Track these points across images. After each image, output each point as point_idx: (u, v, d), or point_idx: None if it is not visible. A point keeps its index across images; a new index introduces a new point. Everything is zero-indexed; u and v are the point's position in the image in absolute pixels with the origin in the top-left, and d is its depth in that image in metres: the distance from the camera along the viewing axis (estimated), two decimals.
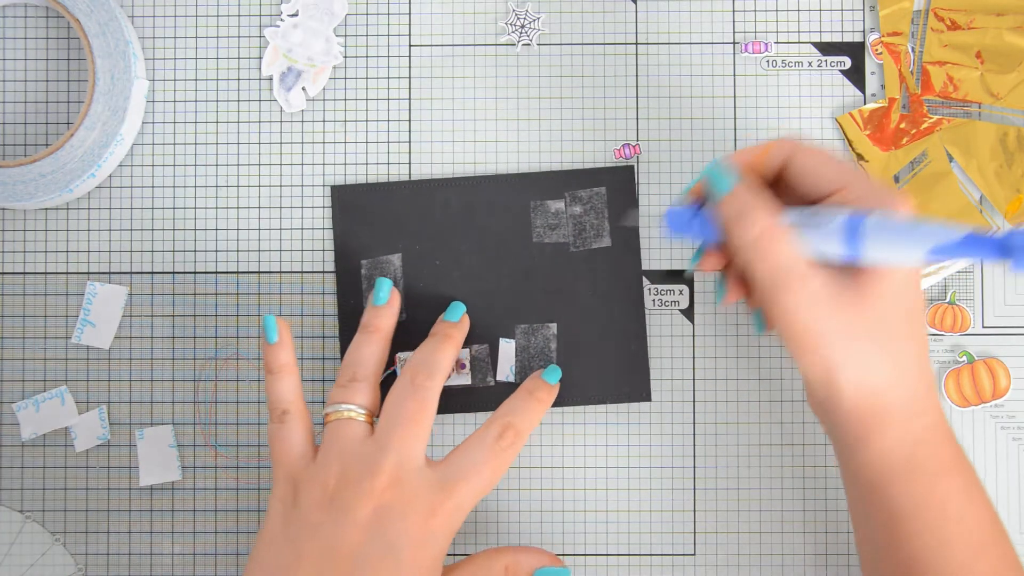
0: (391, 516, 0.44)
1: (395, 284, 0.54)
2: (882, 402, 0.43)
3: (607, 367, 0.54)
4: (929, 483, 0.44)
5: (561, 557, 0.54)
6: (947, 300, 0.55)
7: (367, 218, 0.55)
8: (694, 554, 0.55)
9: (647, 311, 0.55)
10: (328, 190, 0.55)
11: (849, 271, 0.43)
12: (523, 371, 0.54)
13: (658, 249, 0.55)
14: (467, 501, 0.46)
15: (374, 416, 0.48)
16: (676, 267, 0.55)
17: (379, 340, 0.49)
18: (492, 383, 0.54)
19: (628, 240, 0.54)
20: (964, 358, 0.55)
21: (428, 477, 0.46)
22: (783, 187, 0.46)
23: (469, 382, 0.54)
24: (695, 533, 0.55)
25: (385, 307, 0.50)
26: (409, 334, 0.54)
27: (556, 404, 0.54)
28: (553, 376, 0.51)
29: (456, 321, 0.52)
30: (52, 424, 0.54)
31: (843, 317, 0.42)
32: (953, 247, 0.38)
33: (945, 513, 0.43)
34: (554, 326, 0.54)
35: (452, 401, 0.54)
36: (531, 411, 0.49)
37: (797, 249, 0.43)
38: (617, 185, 0.55)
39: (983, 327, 0.55)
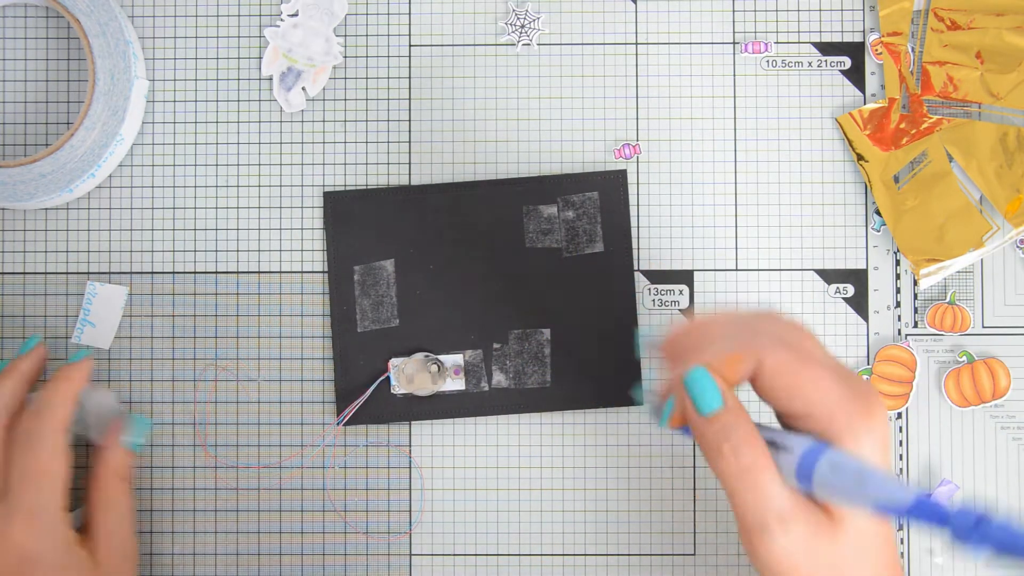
0: None
1: (388, 289, 0.54)
2: None
3: (599, 372, 0.54)
4: None
5: (561, 557, 0.54)
6: (947, 300, 0.55)
7: (360, 224, 0.55)
8: (694, 554, 0.55)
9: (647, 311, 0.55)
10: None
11: (826, 509, 0.41)
12: (517, 376, 0.54)
13: (657, 249, 0.55)
14: (30, 498, 0.47)
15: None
16: (676, 267, 0.55)
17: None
18: (486, 389, 0.54)
19: (621, 245, 0.54)
20: (964, 358, 0.55)
21: None
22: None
23: (463, 388, 0.54)
24: (695, 533, 0.55)
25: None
26: (402, 340, 0.54)
27: (550, 407, 0.54)
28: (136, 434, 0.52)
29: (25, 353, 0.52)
30: None
31: (819, 560, 0.40)
32: (899, 509, 0.36)
33: None
34: (547, 331, 0.54)
35: (447, 407, 0.54)
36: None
37: (781, 489, 0.40)
38: (610, 189, 0.55)
39: (983, 327, 0.55)
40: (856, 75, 0.56)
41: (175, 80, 0.56)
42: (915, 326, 0.55)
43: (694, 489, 0.55)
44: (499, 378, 0.54)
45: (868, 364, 0.55)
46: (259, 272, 0.55)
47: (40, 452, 0.47)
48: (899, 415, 0.55)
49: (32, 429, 0.48)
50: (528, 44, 0.56)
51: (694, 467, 0.55)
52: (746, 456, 0.40)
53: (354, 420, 0.54)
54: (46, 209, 0.55)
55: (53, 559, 0.46)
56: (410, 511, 0.55)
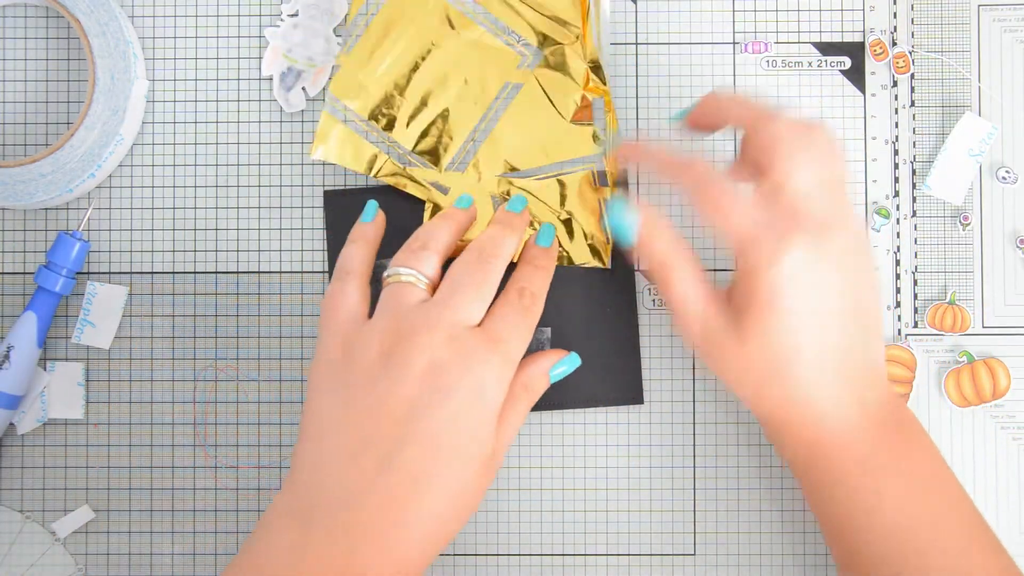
0: (446, 368, 0.44)
1: None
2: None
3: (600, 370, 0.54)
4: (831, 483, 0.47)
5: (561, 557, 0.54)
6: (947, 300, 0.55)
7: None
8: (694, 554, 0.55)
9: (647, 311, 0.55)
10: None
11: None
12: None
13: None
14: (514, 353, 0.46)
15: (434, 289, 0.48)
16: None
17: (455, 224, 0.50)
18: None
19: (621, 245, 0.54)
20: (964, 358, 0.55)
21: (478, 335, 0.46)
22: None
23: None
24: (695, 533, 0.55)
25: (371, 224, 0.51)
26: None
27: (550, 407, 0.54)
28: (545, 239, 0.51)
29: (518, 212, 0.51)
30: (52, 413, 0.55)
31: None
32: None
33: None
34: (548, 330, 0.54)
35: None
36: (538, 276, 0.49)
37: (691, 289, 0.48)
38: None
39: (983, 327, 0.55)
40: (856, 75, 0.56)
41: (175, 80, 0.56)
42: (915, 326, 0.55)
43: (694, 489, 0.55)
44: None
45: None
46: (259, 272, 0.55)
47: (536, 313, 0.48)
48: None
49: (493, 258, 0.48)
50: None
51: (694, 467, 0.55)
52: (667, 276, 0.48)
53: None
54: (46, 209, 0.55)
55: (468, 339, 0.45)
56: None
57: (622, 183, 0.54)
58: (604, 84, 0.54)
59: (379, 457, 0.43)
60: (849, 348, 0.46)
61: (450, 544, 0.54)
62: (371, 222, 0.50)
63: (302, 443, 0.45)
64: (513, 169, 0.54)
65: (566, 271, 0.54)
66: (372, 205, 0.51)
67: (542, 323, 0.54)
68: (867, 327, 0.47)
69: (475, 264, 0.47)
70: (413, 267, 0.47)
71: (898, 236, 0.55)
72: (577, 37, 0.54)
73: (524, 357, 0.48)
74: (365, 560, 0.43)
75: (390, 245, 0.54)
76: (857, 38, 0.56)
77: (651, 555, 0.55)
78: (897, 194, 0.55)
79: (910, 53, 0.56)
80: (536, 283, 0.48)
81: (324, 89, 0.55)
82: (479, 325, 0.46)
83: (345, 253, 0.49)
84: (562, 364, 0.50)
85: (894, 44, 0.56)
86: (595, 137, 0.54)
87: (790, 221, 0.45)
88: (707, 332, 0.47)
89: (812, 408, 0.46)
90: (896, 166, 0.56)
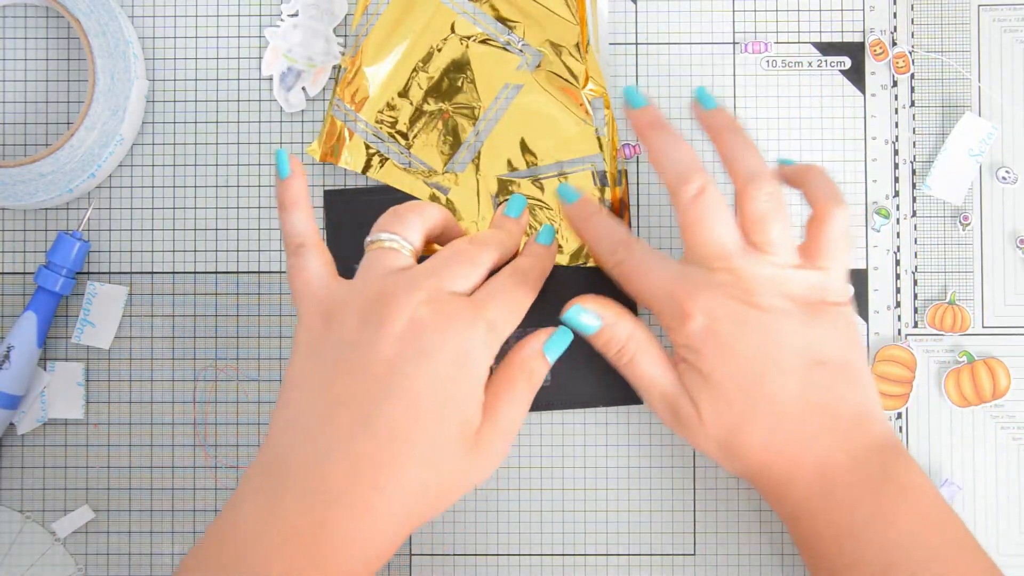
0: (426, 328, 0.43)
1: None
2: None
3: (600, 371, 0.54)
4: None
5: (561, 557, 0.54)
6: (947, 300, 0.55)
7: (360, 222, 0.54)
8: (694, 554, 0.55)
9: (645, 311, 0.55)
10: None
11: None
12: None
13: (658, 249, 0.55)
14: (500, 325, 0.45)
15: (418, 257, 0.47)
16: None
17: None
18: None
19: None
20: (964, 358, 0.55)
21: (463, 300, 0.44)
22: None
23: None
24: (695, 533, 0.55)
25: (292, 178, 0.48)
26: None
27: (550, 407, 0.54)
28: (545, 238, 0.50)
29: (516, 217, 0.50)
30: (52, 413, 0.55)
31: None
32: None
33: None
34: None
35: None
36: (534, 264, 0.48)
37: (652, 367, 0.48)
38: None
39: (983, 327, 0.55)
40: (856, 75, 0.56)
41: (175, 80, 0.56)
42: (915, 326, 0.55)
43: (694, 489, 0.55)
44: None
45: (868, 364, 0.55)
46: (259, 272, 0.55)
47: (527, 292, 0.47)
48: (899, 415, 0.55)
49: (485, 246, 0.46)
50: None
51: (694, 467, 0.55)
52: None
53: None
54: (46, 209, 0.55)
55: (451, 302, 0.44)
56: None
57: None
58: (603, 84, 0.54)
59: (354, 416, 0.41)
60: (816, 396, 0.46)
61: (450, 544, 0.54)
62: (290, 176, 0.47)
63: (278, 409, 0.43)
64: (513, 169, 0.54)
65: (565, 271, 0.54)
66: (282, 156, 0.47)
67: (542, 324, 0.54)
68: (841, 372, 0.46)
69: (465, 244, 0.46)
70: (397, 232, 0.46)
71: (898, 236, 0.55)
72: (576, 38, 0.54)
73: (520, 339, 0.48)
74: (337, 525, 0.40)
75: None
76: (857, 38, 0.56)
77: (651, 555, 0.55)
78: (897, 194, 0.55)
79: (910, 53, 0.56)
80: (532, 269, 0.47)
81: (324, 89, 0.55)
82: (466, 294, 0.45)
83: (284, 223, 0.47)
84: (554, 339, 0.47)
85: (894, 44, 0.56)
86: (598, 139, 0.54)
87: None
88: (673, 409, 0.47)
89: (778, 465, 0.46)
90: (896, 166, 0.56)
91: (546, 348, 0.47)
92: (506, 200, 0.53)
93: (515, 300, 0.46)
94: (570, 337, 0.48)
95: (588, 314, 0.47)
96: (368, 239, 0.46)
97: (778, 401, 0.45)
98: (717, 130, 0.49)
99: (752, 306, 0.46)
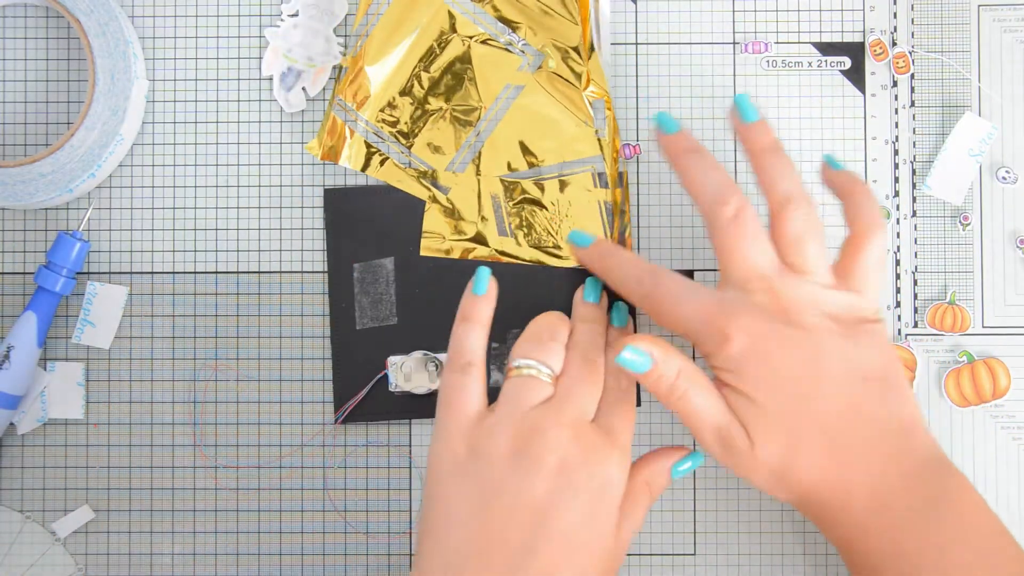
0: (576, 466, 0.44)
1: (388, 287, 0.54)
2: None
3: None
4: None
5: None
6: (947, 300, 0.55)
7: (360, 222, 0.55)
8: (694, 554, 0.55)
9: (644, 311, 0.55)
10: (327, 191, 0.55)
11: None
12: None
13: (657, 249, 0.55)
14: (627, 444, 0.47)
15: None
16: (676, 267, 0.55)
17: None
18: None
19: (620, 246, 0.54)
20: (964, 358, 0.55)
21: (598, 431, 0.46)
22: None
23: None
24: (695, 533, 0.55)
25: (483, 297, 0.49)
26: (401, 338, 0.54)
27: None
28: (591, 294, 0.51)
29: (596, 302, 0.51)
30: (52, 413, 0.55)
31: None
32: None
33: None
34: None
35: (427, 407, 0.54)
36: (597, 338, 0.49)
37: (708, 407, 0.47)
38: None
39: (983, 327, 0.55)
40: (856, 75, 0.56)
41: (175, 80, 0.56)
42: (915, 326, 0.55)
43: (694, 489, 0.55)
44: (498, 377, 0.54)
45: None
46: (259, 272, 0.55)
47: (633, 401, 0.48)
48: None
49: (598, 358, 0.48)
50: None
51: None
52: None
53: (352, 418, 0.54)
54: (46, 209, 0.55)
55: (590, 435, 0.46)
56: (410, 511, 0.55)
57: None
58: (604, 86, 0.54)
59: (511, 557, 0.43)
60: (865, 413, 0.45)
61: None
62: (484, 295, 0.49)
63: (428, 538, 0.45)
64: (513, 170, 0.54)
65: (565, 272, 0.54)
66: (484, 273, 0.49)
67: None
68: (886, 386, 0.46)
69: (581, 361, 0.47)
70: (539, 359, 0.47)
71: (898, 236, 0.55)
72: (578, 39, 0.54)
73: (646, 453, 0.49)
74: None
75: (395, 246, 0.54)
76: (857, 38, 0.56)
77: (651, 555, 0.55)
78: (897, 194, 0.55)
79: (910, 53, 0.56)
80: (594, 348, 0.49)
81: (324, 89, 0.55)
82: (593, 420, 0.47)
83: (460, 336, 0.48)
84: (686, 461, 0.49)
85: (894, 44, 0.56)
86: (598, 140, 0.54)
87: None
88: (726, 441, 0.46)
89: (832, 486, 0.45)
90: (896, 166, 0.56)
91: (676, 468, 0.49)
92: (509, 200, 0.53)
93: (629, 413, 0.47)
94: (701, 461, 0.50)
95: (640, 354, 0.46)
96: (514, 363, 0.47)
97: (827, 419, 0.45)
98: (758, 150, 0.48)
99: (794, 325, 0.45)
